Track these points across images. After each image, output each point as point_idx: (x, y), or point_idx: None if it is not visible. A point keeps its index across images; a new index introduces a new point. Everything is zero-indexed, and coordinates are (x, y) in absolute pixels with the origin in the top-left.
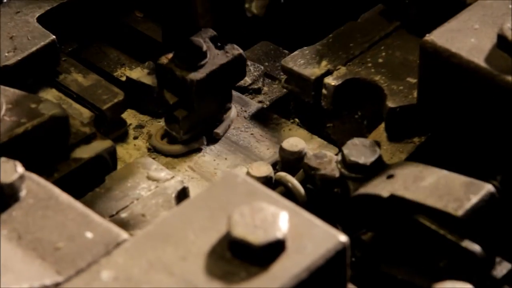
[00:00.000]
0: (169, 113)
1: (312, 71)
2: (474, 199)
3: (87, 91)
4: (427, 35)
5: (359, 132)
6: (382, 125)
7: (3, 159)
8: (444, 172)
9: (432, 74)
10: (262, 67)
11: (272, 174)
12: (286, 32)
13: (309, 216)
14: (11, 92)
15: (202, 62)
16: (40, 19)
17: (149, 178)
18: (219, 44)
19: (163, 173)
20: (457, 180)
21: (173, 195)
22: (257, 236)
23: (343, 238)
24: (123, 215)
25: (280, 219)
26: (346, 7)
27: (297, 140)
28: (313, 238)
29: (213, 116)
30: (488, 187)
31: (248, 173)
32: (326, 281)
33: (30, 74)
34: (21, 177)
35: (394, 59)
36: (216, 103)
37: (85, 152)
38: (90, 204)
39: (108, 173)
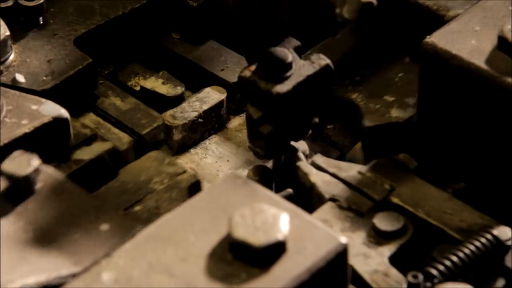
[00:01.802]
0: (253, 129)
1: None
2: None
3: (125, 115)
4: (428, 36)
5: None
6: (359, 144)
7: (18, 152)
8: None
9: (432, 76)
10: None
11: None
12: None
13: (309, 218)
14: (12, 93)
15: (288, 74)
16: (76, 42)
17: (162, 172)
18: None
19: (176, 167)
20: None
21: (186, 188)
22: (257, 238)
23: (343, 239)
24: (137, 208)
25: (280, 220)
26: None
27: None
28: (313, 240)
29: (298, 131)
30: None
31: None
32: (327, 283)
33: (67, 98)
34: (37, 170)
35: (372, 76)
36: (302, 117)
37: (86, 153)
38: (104, 198)
39: (108, 174)
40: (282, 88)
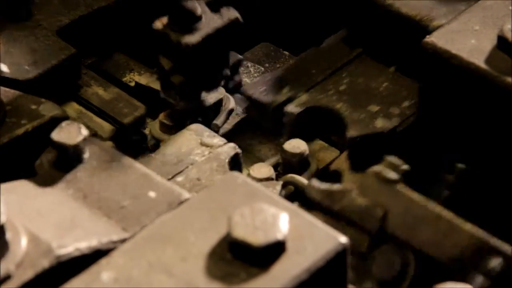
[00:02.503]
0: (165, 80)
1: (272, 98)
2: None
3: (108, 105)
4: (428, 36)
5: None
6: (344, 154)
7: (67, 121)
8: None
9: (432, 76)
10: (263, 68)
11: (274, 176)
12: (286, 33)
13: (309, 218)
14: (12, 93)
15: (197, 26)
16: (59, 32)
17: (202, 144)
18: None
19: (216, 139)
20: None
21: (227, 160)
22: (257, 237)
23: (343, 239)
24: (179, 179)
25: (280, 220)
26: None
27: (299, 142)
28: (313, 239)
29: (211, 82)
30: None
31: (249, 175)
32: (327, 282)
33: (50, 87)
34: (85, 140)
35: (356, 86)
36: (213, 68)
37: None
38: None
39: None
40: (192, 39)
